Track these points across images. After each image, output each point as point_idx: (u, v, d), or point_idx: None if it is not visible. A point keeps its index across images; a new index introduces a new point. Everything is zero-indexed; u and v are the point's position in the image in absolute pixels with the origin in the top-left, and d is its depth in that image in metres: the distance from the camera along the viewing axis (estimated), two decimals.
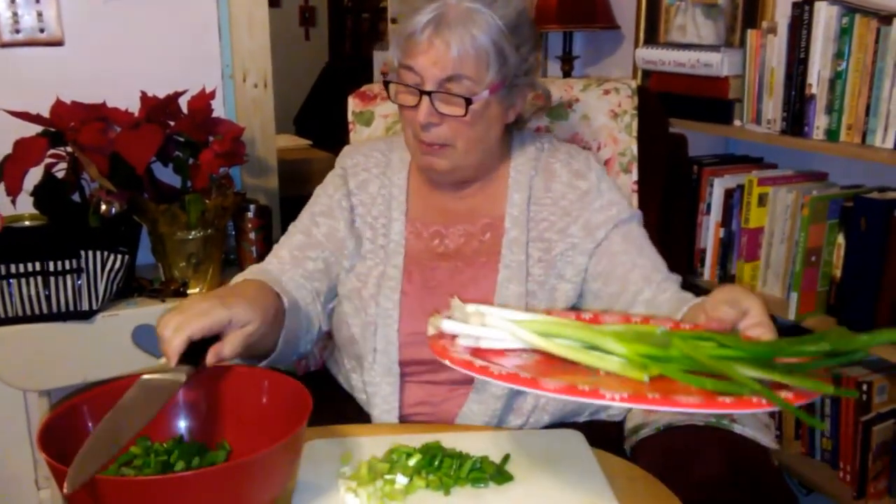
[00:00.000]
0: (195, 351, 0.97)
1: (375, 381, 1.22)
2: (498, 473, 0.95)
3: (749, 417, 1.22)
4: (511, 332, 0.84)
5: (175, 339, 0.95)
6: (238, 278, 1.23)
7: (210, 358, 0.97)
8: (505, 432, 1.14)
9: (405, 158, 1.33)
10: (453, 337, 0.89)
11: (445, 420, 1.22)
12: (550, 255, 1.24)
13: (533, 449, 1.02)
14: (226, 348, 0.99)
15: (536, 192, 1.28)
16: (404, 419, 1.24)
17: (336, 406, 1.26)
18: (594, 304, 1.25)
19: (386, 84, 1.22)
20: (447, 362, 0.85)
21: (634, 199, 1.53)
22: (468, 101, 1.15)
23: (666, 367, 0.80)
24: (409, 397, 1.23)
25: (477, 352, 0.88)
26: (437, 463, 0.95)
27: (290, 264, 1.28)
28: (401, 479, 0.93)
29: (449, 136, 1.19)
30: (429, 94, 1.16)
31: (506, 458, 0.98)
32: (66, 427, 0.90)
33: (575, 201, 1.26)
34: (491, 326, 0.85)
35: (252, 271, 1.26)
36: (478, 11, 1.15)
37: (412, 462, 0.95)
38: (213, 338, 1.00)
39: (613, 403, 0.75)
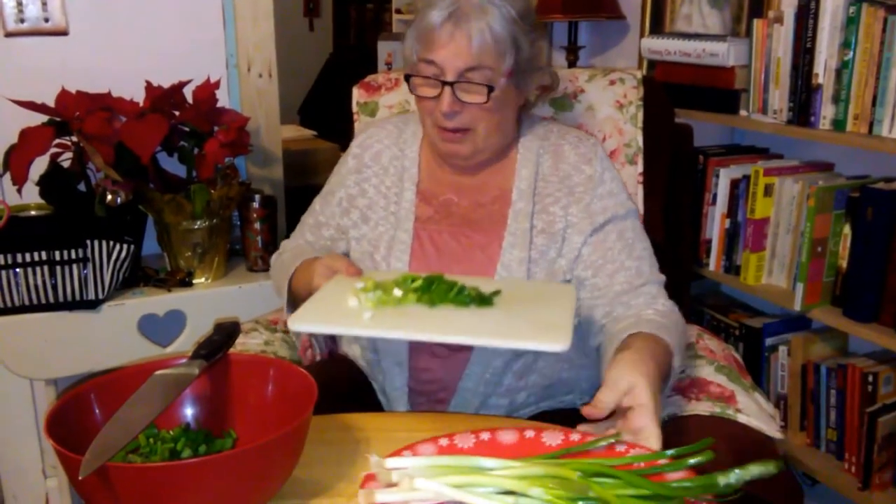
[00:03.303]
0: (212, 347, 0.99)
1: (387, 338, 1.28)
2: (480, 300, 1.10)
3: (753, 407, 1.23)
4: (435, 491, 0.85)
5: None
6: (280, 258, 1.45)
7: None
8: (510, 279, 1.26)
9: (418, 133, 1.39)
10: None
11: (451, 376, 1.27)
12: (553, 228, 1.29)
13: (524, 292, 1.17)
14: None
15: (545, 169, 1.32)
16: (414, 375, 1.29)
17: (340, 394, 1.27)
18: (580, 292, 1.28)
19: (407, 78, 1.26)
20: None
21: (640, 190, 1.53)
22: (490, 89, 1.20)
23: None
24: (420, 351, 1.28)
25: None
26: (433, 287, 1.11)
27: (313, 243, 1.44)
28: (396, 292, 1.11)
29: (470, 122, 1.24)
30: (451, 84, 1.20)
31: (496, 292, 1.13)
32: (73, 415, 0.90)
33: (579, 183, 1.30)
34: (418, 489, 0.85)
35: (288, 248, 1.46)
36: (492, 3, 1.20)
37: (415, 284, 1.12)
38: (230, 336, 1.04)
39: None
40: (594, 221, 1.28)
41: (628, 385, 0.98)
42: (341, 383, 1.34)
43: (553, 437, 0.98)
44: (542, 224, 1.29)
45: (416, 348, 1.29)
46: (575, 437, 0.98)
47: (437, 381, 1.28)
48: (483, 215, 1.32)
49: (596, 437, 0.95)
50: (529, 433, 0.98)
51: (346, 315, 1.07)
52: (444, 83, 1.20)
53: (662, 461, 0.91)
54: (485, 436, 0.98)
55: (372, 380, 1.37)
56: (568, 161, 1.32)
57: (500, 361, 1.25)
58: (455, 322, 1.06)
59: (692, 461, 0.89)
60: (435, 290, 1.11)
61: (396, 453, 0.92)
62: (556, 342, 0.99)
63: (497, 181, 1.33)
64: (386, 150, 1.39)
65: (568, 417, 1.19)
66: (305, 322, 1.07)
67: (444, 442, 0.97)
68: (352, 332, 1.08)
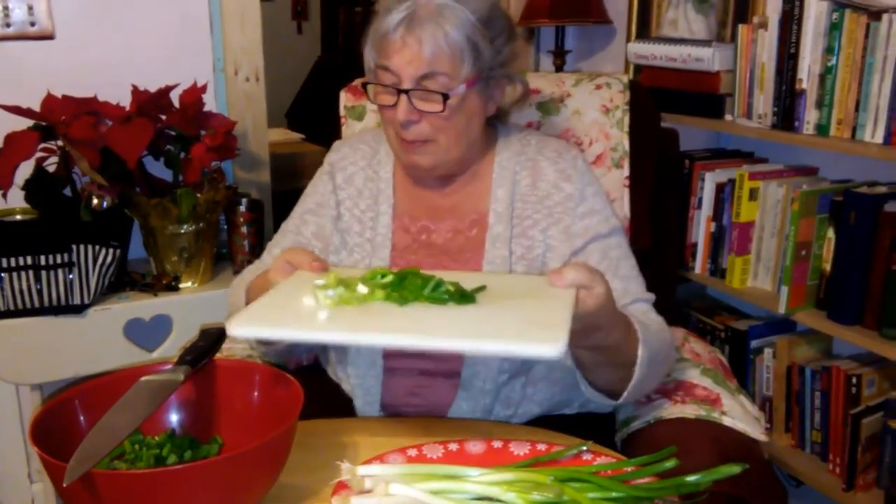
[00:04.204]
0: (197, 352, 0.98)
1: (360, 374, 1.24)
2: (461, 296, 0.94)
3: (738, 410, 1.23)
4: (410, 497, 0.86)
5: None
6: (241, 278, 1.30)
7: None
8: (499, 274, 1.15)
9: (391, 152, 1.33)
10: None
11: (436, 413, 1.23)
12: (532, 253, 1.24)
13: (515, 288, 1.01)
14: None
15: (522, 189, 1.27)
16: (393, 410, 1.25)
17: (325, 400, 1.26)
18: None
19: (364, 86, 1.22)
20: None
21: (626, 193, 1.54)
22: (445, 97, 1.15)
23: None
24: (397, 388, 1.24)
25: None
26: (405, 283, 0.96)
27: None
28: (361, 289, 0.94)
29: (429, 133, 1.19)
30: (406, 92, 1.16)
31: (479, 288, 0.97)
32: (58, 421, 0.90)
33: (559, 203, 1.26)
34: (392, 495, 0.86)
35: (252, 271, 1.31)
36: (449, 7, 1.15)
37: (385, 280, 0.96)
38: (216, 342, 1.02)
39: None
40: (573, 244, 1.23)
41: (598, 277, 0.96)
42: (328, 388, 1.34)
43: (520, 446, 1.00)
44: (522, 250, 1.24)
45: (391, 385, 1.23)
46: (542, 446, 0.99)
47: (421, 414, 1.24)
48: (462, 243, 1.27)
49: (563, 447, 0.96)
50: (497, 443, 1.00)
51: (297, 317, 0.91)
52: (400, 91, 1.16)
53: (629, 469, 0.92)
54: (453, 446, 0.99)
55: None
56: (546, 179, 1.27)
57: (489, 399, 1.20)
58: (426, 323, 0.89)
59: (658, 470, 0.91)
60: (407, 287, 0.95)
61: (366, 463, 0.93)
62: (550, 344, 0.82)
63: (473, 203, 1.28)
64: (360, 172, 1.34)
65: (563, 424, 1.19)
66: (246, 325, 0.89)
67: (412, 452, 0.97)
68: (300, 336, 0.91)
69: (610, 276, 1.20)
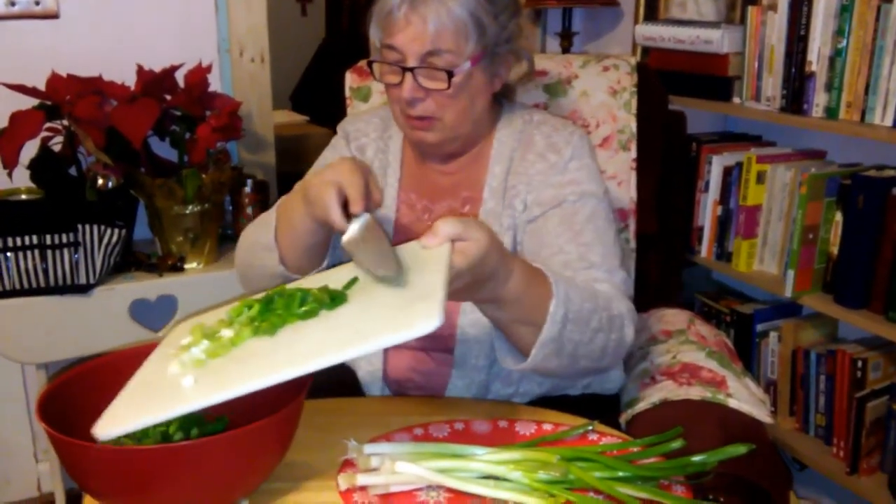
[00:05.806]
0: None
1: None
2: (331, 300, 0.88)
3: (744, 392, 1.23)
4: (416, 475, 0.86)
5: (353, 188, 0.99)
6: (246, 231, 1.32)
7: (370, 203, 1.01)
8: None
9: None
10: (363, 487, 0.87)
11: (436, 391, 1.24)
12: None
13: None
14: (375, 193, 1.03)
15: (515, 163, 1.27)
16: (397, 388, 1.26)
17: (329, 377, 1.26)
18: None
19: (370, 64, 1.22)
20: None
21: (633, 176, 1.53)
22: (450, 74, 1.14)
23: (570, 494, 0.85)
24: (399, 362, 1.25)
25: (389, 497, 0.88)
26: (273, 308, 0.89)
27: None
28: (225, 333, 0.88)
29: (435, 110, 1.19)
30: (411, 70, 1.15)
31: (351, 281, 0.91)
32: (64, 398, 0.90)
33: (540, 171, 1.24)
34: (399, 473, 0.86)
35: (257, 224, 1.30)
36: None
37: (250, 313, 0.89)
38: None
39: None
40: (531, 213, 1.22)
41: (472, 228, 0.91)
42: (335, 367, 1.33)
43: (526, 426, 1.00)
44: (509, 220, 1.24)
45: (393, 358, 1.24)
46: (547, 426, 0.99)
47: (422, 389, 1.25)
48: None
49: (569, 427, 0.96)
50: (503, 423, 1.00)
51: (164, 393, 0.82)
52: (405, 69, 1.15)
53: (635, 449, 0.93)
54: (459, 425, 1.00)
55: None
56: (535, 150, 1.25)
57: (484, 375, 1.21)
58: (298, 345, 0.83)
59: (665, 450, 0.91)
60: (275, 312, 0.88)
61: (372, 441, 0.93)
62: (426, 318, 0.75)
63: (470, 182, 1.28)
64: (371, 144, 1.35)
65: (567, 404, 1.19)
66: (114, 424, 0.80)
67: (418, 431, 0.98)
68: (168, 415, 0.80)
69: (565, 239, 1.17)
